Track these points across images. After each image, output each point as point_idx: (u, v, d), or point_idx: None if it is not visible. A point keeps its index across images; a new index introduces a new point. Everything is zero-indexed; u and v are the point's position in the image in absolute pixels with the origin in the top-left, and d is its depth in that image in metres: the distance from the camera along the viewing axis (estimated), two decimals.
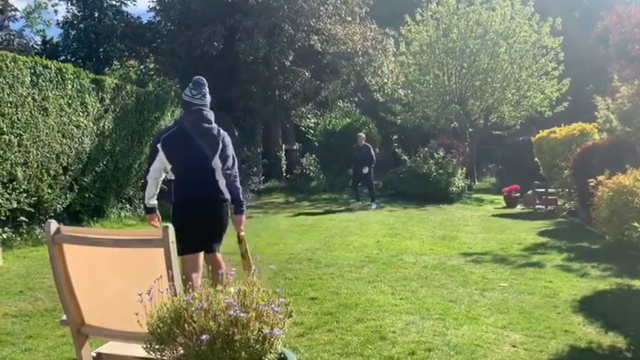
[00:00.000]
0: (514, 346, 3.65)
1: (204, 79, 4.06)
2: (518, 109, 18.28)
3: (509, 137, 19.89)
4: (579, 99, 17.96)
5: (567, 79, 17.50)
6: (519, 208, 13.11)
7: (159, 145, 3.85)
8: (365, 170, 13.31)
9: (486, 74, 17.54)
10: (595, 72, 21.71)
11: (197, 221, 3.78)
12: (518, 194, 13.61)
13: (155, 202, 4.06)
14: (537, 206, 12.67)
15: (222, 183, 3.88)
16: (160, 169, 3.91)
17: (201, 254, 3.79)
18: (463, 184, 15.22)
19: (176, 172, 3.86)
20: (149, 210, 4.06)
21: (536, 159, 12.85)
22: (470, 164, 17.67)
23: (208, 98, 4.02)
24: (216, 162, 3.85)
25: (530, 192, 13.24)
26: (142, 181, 3.96)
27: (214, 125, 3.96)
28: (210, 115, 3.98)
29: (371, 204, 13.19)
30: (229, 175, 3.93)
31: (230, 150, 3.97)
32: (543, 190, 12.58)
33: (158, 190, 4.04)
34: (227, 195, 3.90)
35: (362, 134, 14.10)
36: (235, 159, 4.03)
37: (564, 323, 4.12)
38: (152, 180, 3.96)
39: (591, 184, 7.50)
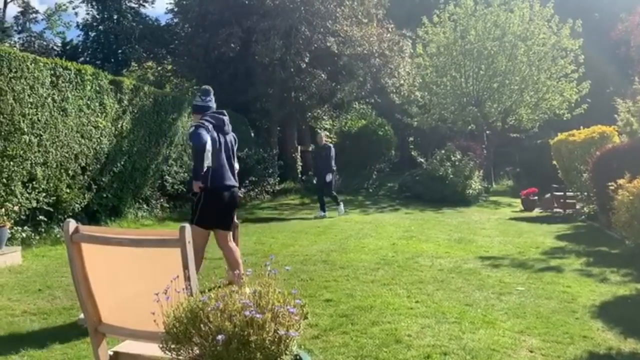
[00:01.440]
0: (531, 351, 3.60)
1: (208, 88, 5.17)
2: (536, 112, 18.10)
3: (527, 140, 19.69)
4: (599, 102, 17.75)
5: (587, 81, 17.28)
6: (536, 211, 12.97)
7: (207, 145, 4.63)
8: (329, 177, 11.78)
9: (504, 76, 17.40)
10: (615, 74, 21.45)
11: (231, 207, 4.94)
12: (536, 197, 13.47)
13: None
14: (555, 210, 12.52)
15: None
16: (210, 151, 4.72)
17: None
18: (480, 187, 15.11)
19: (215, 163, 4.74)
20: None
21: (554, 162, 12.71)
22: (487, 166, 17.54)
23: (215, 103, 5.17)
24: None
25: (548, 195, 13.09)
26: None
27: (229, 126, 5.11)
28: (225, 117, 5.08)
29: (337, 208, 11.93)
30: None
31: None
32: (561, 193, 12.42)
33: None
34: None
35: (322, 132, 12.44)
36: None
37: (582, 328, 4.06)
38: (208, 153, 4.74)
39: (611, 187, 7.39)
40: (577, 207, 11.70)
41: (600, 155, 9.53)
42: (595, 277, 5.77)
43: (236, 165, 5.09)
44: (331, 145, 12.21)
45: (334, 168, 12.06)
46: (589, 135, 11.22)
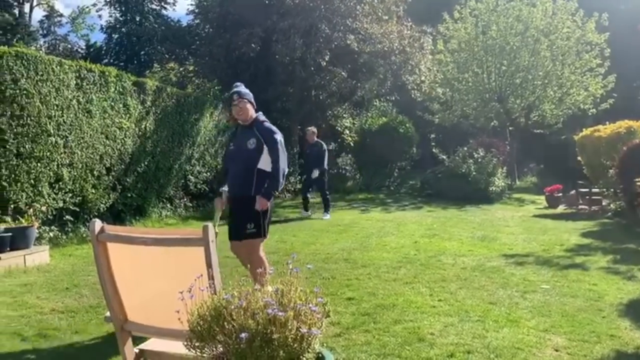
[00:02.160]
0: (557, 350, 3.55)
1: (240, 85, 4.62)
2: (560, 107, 17.79)
3: (551, 136, 19.37)
4: (625, 96, 17.39)
5: (613, 75, 16.93)
6: (561, 208, 12.77)
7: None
8: (315, 173, 11.16)
9: (527, 71, 17.14)
10: None
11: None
12: (560, 194, 13.26)
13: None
14: (580, 207, 12.31)
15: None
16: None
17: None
18: (503, 184, 14.94)
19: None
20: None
21: (579, 158, 12.50)
22: (510, 163, 17.32)
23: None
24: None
25: (573, 192, 12.88)
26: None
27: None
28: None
29: (324, 214, 11.20)
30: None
31: None
32: (586, 190, 12.21)
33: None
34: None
35: (313, 128, 11.84)
36: None
37: (609, 327, 3.99)
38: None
39: (638, 183, 7.25)
40: (603, 203, 11.48)
41: (628, 150, 9.35)
42: (622, 275, 5.67)
43: None
44: (323, 142, 11.68)
45: (326, 167, 11.44)
46: (615, 131, 11.03)
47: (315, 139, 11.52)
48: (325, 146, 11.55)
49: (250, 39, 16.27)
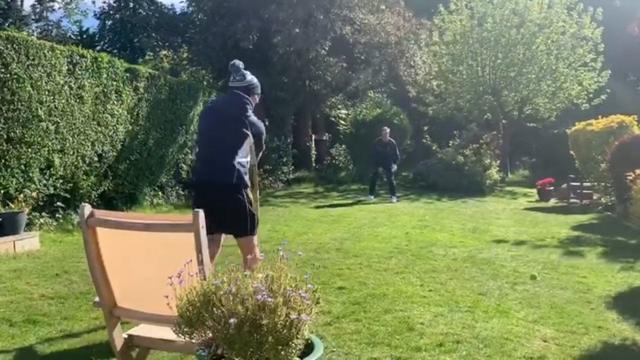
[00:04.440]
0: (545, 341, 3.58)
1: (235, 63, 3.99)
2: (554, 101, 17.83)
3: (544, 130, 19.43)
4: (618, 91, 17.44)
5: (607, 71, 16.97)
6: (552, 202, 12.84)
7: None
8: (394, 167, 13.02)
9: (521, 64, 17.14)
10: (635, 63, 21.06)
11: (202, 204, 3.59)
12: (552, 188, 13.33)
13: None
14: (571, 200, 12.37)
15: (237, 166, 3.72)
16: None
17: (216, 236, 3.75)
18: (497, 177, 15.00)
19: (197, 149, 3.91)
20: None
21: (571, 152, 12.55)
22: (503, 156, 17.37)
23: (245, 79, 3.96)
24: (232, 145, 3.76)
25: (564, 185, 12.94)
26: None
27: (244, 112, 3.84)
28: (242, 102, 3.88)
29: (392, 198, 12.77)
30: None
31: (257, 146, 3.97)
32: (578, 184, 12.27)
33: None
34: (241, 178, 3.73)
35: (387, 128, 13.25)
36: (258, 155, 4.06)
37: (597, 319, 4.02)
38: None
39: (629, 177, 7.29)
40: (594, 197, 11.56)
41: (619, 145, 9.40)
42: (611, 268, 5.72)
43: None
44: (393, 140, 13.08)
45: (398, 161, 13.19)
46: (607, 125, 11.07)
47: (388, 138, 12.92)
48: (395, 143, 13.15)
49: (248, 29, 16.13)
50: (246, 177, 3.80)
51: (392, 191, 12.95)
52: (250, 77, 3.99)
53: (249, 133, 3.79)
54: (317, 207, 11.55)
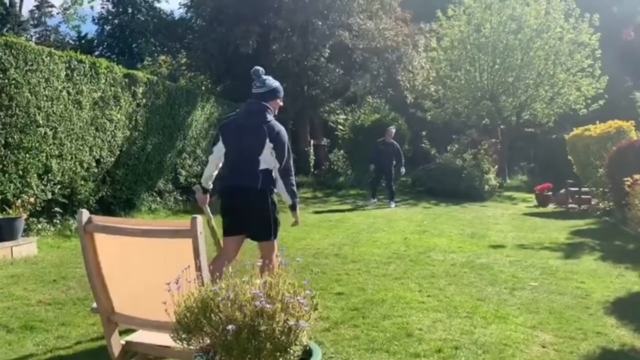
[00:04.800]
0: (544, 347, 3.57)
1: (257, 69, 4.03)
2: (552, 106, 17.87)
3: (542, 135, 19.48)
4: (616, 96, 17.48)
5: (605, 76, 17.01)
6: (551, 207, 12.86)
7: (220, 129, 4.05)
8: (403, 170, 13.08)
9: (519, 70, 17.19)
10: (633, 69, 21.11)
11: (230, 209, 3.94)
12: (550, 193, 13.35)
13: (211, 184, 4.19)
14: (569, 205, 12.40)
15: (261, 174, 3.82)
16: (220, 150, 3.99)
17: (236, 238, 3.95)
18: (495, 182, 15.02)
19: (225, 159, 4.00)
20: (204, 191, 4.18)
21: (569, 158, 12.58)
22: (501, 161, 17.39)
23: (266, 85, 3.99)
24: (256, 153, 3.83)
25: (562, 191, 12.97)
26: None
27: (264, 119, 3.88)
28: (262, 109, 3.92)
29: (390, 203, 12.75)
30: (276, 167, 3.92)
31: (276, 151, 3.87)
32: (576, 189, 12.30)
33: (216, 173, 4.16)
34: (266, 185, 3.84)
35: (392, 128, 13.36)
36: (281, 160, 3.91)
37: (596, 324, 4.02)
38: (211, 159, 4.09)
39: (627, 183, 7.30)
40: (593, 202, 11.58)
41: (617, 150, 9.41)
42: (610, 273, 5.72)
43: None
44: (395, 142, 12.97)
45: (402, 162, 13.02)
46: (605, 130, 11.09)
47: (391, 139, 12.84)
48: (398, 146, 13.04)
49: (247, 35, 16.15)
50: (272, 183, 3.91)
51: (391, 196, 12.95)
52: (270, 82, 4.02)
53: (268, 143, 3.82)
54: (316, 212, 11.54)
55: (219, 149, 3.98)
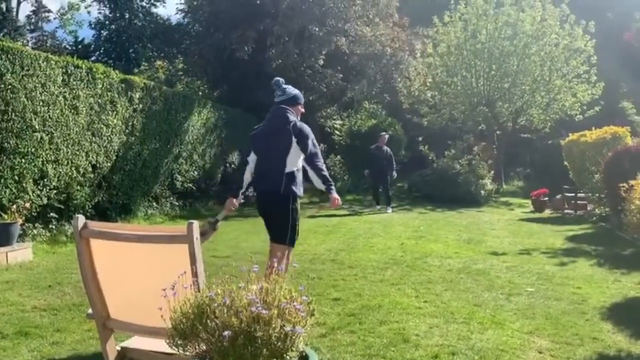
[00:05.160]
0: (540, 352, 3.57)
1: (277, 80, 4.46)
2: (548, 112, 17.93)
3: (538, 141, 19.53)
4: (611, 102, 17.55)
5: (601, 83, 17.08)
6: (547, 212, 12.88)
7: (250, 139, 4.40)
8: (395, 175, 13.19)
9: (515, 76, 17.25)
10: (628, 75, 21.21)
11: (262, 212, 4.34)
12: (546, 199, 13.37)
13: (244, 189, 4.41)
14: (566, 211, 12.42)
15: (285, 177, 4.09)
16: (253, 160, 4.32)
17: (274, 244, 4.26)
18: (491, 187, 15.04)
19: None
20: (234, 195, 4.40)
21: (565, 163, 12.61)
22: (497, 167, 17.42)
23: (286, 93, 4.37)
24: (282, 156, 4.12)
25: (559, 196, 12.99)
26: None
27: (287, 120, 4.19)
28: (284, 112, 4.26)
29: (387, 209, 12.86)
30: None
31: (301, 145, 4.15)
32: (572, 194, 12.32)
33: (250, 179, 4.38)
34: (289, 189, 4.10)
35: (386, 134, 13.58)
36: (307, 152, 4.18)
37: (592, 330, 4.02)
38: (247, 168, 4.38)
39: (623, 188, 7.32)
40: (589, 208, 11.60)
41: (612, 155, 9.44)
42: (606, 279, 5.72)
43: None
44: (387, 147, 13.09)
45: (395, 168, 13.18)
46: (600, 136, 11.13)
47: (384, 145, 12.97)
48: (391, 151, 13.19)
49: (243, 41, 16.18)
50: (296, 187, 4.16)
51: (388, 201, 12.99)
52: (290, 90, 4.38)
53: (293, 141, 4.10)
54: (312, 217, 11.54)
55: (252, 159, 4.30)
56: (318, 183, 4.22)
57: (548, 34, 16.83)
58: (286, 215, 4.12)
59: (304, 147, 4.12)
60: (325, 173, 4.24)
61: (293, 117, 4.22)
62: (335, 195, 4.26)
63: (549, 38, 16.83)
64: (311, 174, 4.19)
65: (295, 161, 4.11)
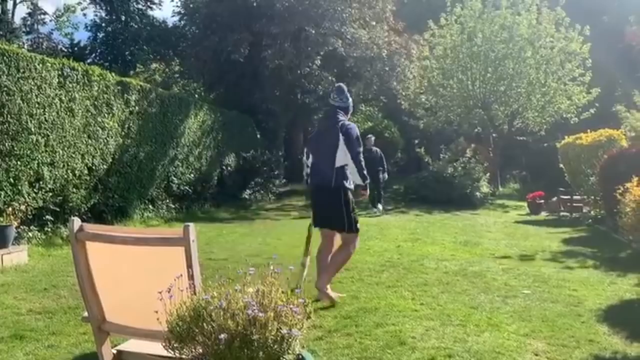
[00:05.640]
0: (537, 354, 3.58)
1: (341, 86, 5.09)
2: (543, 115, 17.98)
3: (534, 143, 19.59)
4: (607, 105, 17.62)
5: (597, 88, 17.14)
6: (543, 215, 12.91)
7: (306, 143, 5.29)
8: (386, 176, 13.32)
9: (511, 78, 17.30)
10: (624, 78, 21.31)
11: (315, 203, 5.01)
12: (542, 201, 13.41)
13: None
14: (561, 213, 12.45)
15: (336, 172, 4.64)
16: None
17: (325, 230, 4.99)
18: (487, 190, 15.06)
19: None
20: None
21: (561, 166, 12.64)
22: (493, 169, 17.46)
23: (343, 101, 4.93)
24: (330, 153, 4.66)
25: (554, 199, 13.02)
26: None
27: (336, 120, 4.75)
28: (335, 113, 4.85)
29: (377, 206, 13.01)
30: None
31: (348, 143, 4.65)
32: (568, 197, 12.36)
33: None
34: (339, 183, 4.66)
35: (372, 137, 13.58)
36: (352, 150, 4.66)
37: (588, 332, 4.03)
38: (305, 174, 5.12)
39: (618, 191, 7.34)
40: (584, 210, 11.64)
41: (608, 158, 9.48)
42: (602, 281, 5.73)
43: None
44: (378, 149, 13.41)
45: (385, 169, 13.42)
46: (596, 139, 11.17)
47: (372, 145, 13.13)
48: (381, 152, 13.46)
49: (239, 43, 16.19)
50: (347, 181, 4.69)
51: (378, 198, 13.10)
52: (346, 98, 4.94)
53: (341, 138, 4.62)
54: (309, 219, 11.52)
55: (309, 162, 4.90)
56: (357, 178, 4.72)
57: (543, 37, 16.90)
58: (339, 206, 4.69)
59: (350, 145, 4.61)
60: (365, 172, 4.74)
61: (343, 118, 4.77)
62: (367, 192, 4.99)
63: (544, 41, 16.89)
64: (353, 169, 4.67)
65: (344, 157, 4.61)
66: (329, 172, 4.65)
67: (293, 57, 16.32)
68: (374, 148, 13.05)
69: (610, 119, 15.34)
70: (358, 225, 4.92)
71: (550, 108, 17.69)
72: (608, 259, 7.07)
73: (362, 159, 4.73)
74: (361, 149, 4.74)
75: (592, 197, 10.73)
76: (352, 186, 4.77)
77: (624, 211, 6.93)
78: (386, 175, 13.33)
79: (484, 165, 15.26)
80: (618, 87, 21.83)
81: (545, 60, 17.04)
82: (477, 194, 14.43)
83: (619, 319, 4.37)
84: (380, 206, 12.82)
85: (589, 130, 11.89)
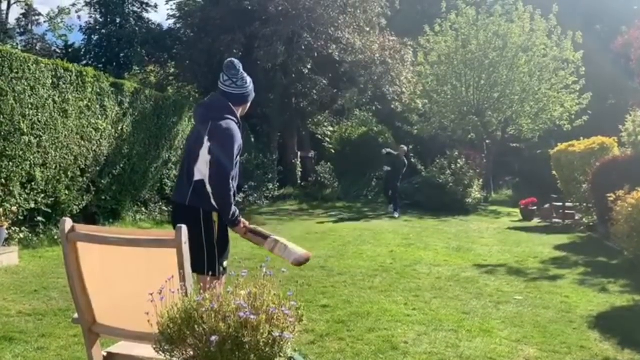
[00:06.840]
0: None
1: (233, 61, 3.39)
2: (536, 122, 18.09)
3: (527, 150, 19.69)
4: (599, 113, 17.75)
5: (589, 93, 17.28)
6: (535, 222, 12.95)
7: None
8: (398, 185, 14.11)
9: (505, 85, 17.40)
10: (616, 86, 21.46)
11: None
12: (535, 208, 13.45)
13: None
14: (554, 220, 12.50)
15: (193, 187, 3.09)
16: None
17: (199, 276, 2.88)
18: (479, 196, 15.10)
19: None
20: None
21: (554, 173, 12.71)
22: (486, 176, 17.52)
23: (236, 85, 3.42)
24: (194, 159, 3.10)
25: (547, 205, 13.08)
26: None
27: (211, 115, 3.21)
28: (218, 102, 3.34)
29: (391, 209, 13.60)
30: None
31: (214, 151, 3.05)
32: (560, 204, 12.41)
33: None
34: (196, 203, 3.06)
35: (404, 147, 14.64)
36: (218, 158, 3.04)
37: (580, 338, 4.04)
38: None
39: (610, 198, 7.38)
40: (576, 217, 11.69)
41: (600, 166, 9.53)
42: (594, 288, 5.76)
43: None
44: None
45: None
46: (588, 146, 11.23)
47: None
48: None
49: (232, 45, 16.21)
50: (210, 201, 3.11)
51: (395, 206, 13.63)
52: (246, 82, 3.56)
53: (206, 144, 3.13)
54: (302, 223, 11.53)
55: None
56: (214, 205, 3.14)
57: (537, 45, 17.02)
58: (197, 236, 2.97)
59: (215, 157, 3.07)
60: (229, 200, 3.11)
61: (226, 112, 3.31)
62: (240, 226, 3.29)
63: (537, 49, 17.01)
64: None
65: (205, 169, 3.10)
66: (185, 186, 3.08)
67: (286, 59, 16.33)
68: (403, 157, 13.87)
69: (603, 126, 15.43)
70: (225, 265, 3.20)
71: (544, 115, 17.80)
72: (600, 265, 7.10)
73: (228, 181, 3.04)
74: (232, 165, 3.07)
75: (585, 205, 10.78)
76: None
77: (616, 219, 6.96)
78: (398, 184, 14.00)
79: (477, 172, 15.31)
80: (611, 96, 21.98)
81: (539, 67, 17.15)
82: (469, 200, 14.48)
83: (610, 325, 4.39)
84: (396, 214, 13.17)
85: (581, 138, 11.95)
